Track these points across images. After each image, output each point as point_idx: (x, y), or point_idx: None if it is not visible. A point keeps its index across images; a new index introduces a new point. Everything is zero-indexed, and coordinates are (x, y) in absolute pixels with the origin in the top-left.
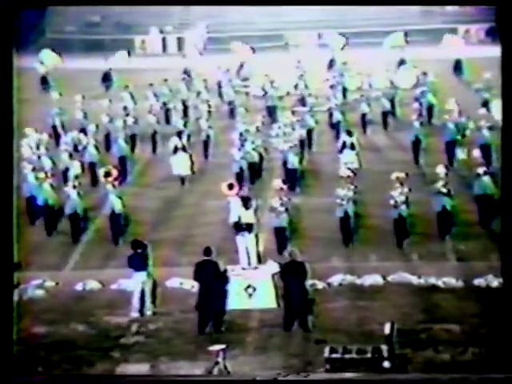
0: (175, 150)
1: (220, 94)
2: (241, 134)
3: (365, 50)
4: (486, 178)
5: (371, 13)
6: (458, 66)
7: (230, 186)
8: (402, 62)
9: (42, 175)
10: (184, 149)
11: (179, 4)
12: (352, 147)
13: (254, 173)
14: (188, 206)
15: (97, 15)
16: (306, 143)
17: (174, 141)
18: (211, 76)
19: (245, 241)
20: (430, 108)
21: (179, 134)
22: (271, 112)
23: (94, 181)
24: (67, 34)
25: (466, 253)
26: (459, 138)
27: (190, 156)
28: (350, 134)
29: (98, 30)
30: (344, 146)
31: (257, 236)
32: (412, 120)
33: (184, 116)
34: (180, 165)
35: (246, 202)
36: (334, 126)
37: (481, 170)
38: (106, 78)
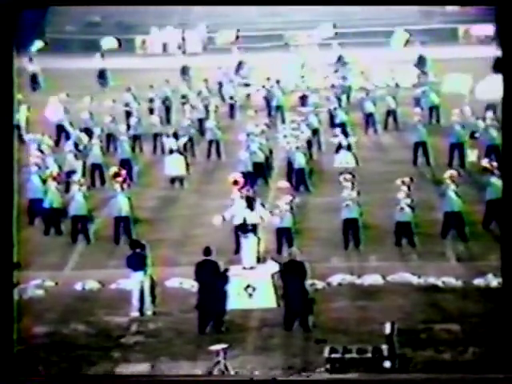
0: (171, 150)
1: (221, 94)
2: (248, 135)
3: (365, 50)
4: (498, 182)
5: (371, 13)
6: (498, 64)
7: (235, 182)
8: (420, 59)
9: (47, 176)
10: (179, 150)
11: (179, 4)
12: (348, 147)
13: (259, 173)
14: (188, 206)
15: (97, 15)
16: (309, 143)
17: (170, 141)
18: (211, 76)
19: (249, 242)
20: (432, 108)
21: (175, 135)
22: (275, 112)
23: (94, 182)
24: (67, 34)
25: (466, 253)
26: (467, 139)
27: (185, 157)
28: (346, 134)
29: (99, 29)
30: (340, 146)
31: (259, 237)
32: (414, 120)
33: (184, 116)
34: (173, 166)
35: (250, 202)
36: (336, 126)
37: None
38: (101, 75)
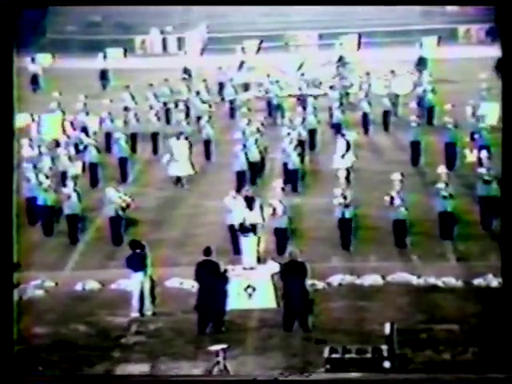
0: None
1: (220, 94)
2: (243, 133)
3: (365, 50)
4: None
5: (371, 13)
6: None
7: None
8: (420, 60)
9: (42, 175)
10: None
11: (179, 4)
12: (347, 147)
13: (254, 172)
14: (188, 206)
15: (97, 15)
16: (307, 143)
17: (173, 141)
18: (211, 76)
19: (248, 242)
20: (430, 108)
21: (178, 135)
22: (272, 112)
23: (94, 181)
24: (68, 34)
25: (466, 253)
26: (466, 139)
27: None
28: (344, 133)
29: (99, 29)
30: (339, 145)
31: (258, 237)
32: (412, 120)
33: (185, 116)
34: (177, 165)
35: (250, 202)
36: (335, 126)
37: (487, 176)
38: (103, 76)
